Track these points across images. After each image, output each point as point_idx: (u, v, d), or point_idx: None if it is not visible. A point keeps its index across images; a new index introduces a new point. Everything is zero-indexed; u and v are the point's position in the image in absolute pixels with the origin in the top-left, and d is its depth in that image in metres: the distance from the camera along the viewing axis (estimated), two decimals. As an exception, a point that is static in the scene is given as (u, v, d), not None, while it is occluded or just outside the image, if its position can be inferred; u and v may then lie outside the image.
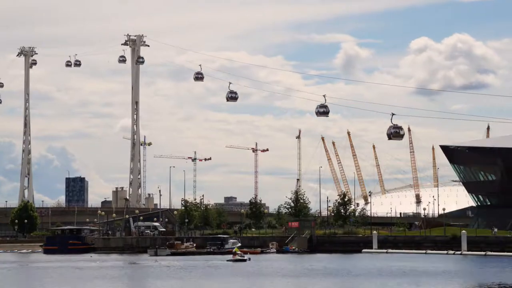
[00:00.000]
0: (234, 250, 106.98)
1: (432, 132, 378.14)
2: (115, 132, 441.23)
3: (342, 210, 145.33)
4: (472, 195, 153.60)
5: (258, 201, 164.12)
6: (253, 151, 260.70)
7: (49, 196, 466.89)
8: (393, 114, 58.52)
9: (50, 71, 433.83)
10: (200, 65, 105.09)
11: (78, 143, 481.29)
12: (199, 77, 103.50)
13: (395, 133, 58.69)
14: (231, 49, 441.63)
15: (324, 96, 66.83)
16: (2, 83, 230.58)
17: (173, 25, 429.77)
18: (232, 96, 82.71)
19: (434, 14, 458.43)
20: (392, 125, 58.23)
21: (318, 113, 67.48)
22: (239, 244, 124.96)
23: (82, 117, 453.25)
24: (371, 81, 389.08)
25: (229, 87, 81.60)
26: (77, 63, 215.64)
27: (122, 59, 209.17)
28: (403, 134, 59.31)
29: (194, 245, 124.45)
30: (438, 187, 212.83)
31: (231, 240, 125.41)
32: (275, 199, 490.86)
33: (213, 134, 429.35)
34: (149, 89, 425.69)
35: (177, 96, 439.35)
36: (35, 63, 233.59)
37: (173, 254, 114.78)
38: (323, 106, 67.46)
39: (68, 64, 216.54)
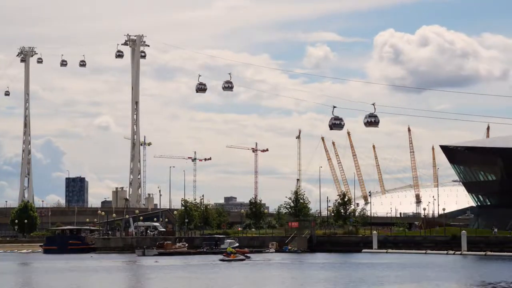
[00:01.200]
0: (227, 249, 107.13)
1: (428, 131, 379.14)
2: (97, 130, 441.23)
3: (342, 210, 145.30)
4: (472, 195, 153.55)
5: (258, 201, 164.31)
6: (253, 151, 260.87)
7: (38, 195, 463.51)
8: (334, 107, 62.90)
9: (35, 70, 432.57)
10: (199, 75, 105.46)
11: (63, 142, 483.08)
12: (201, 88, 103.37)
13: (335, 124, 62.97)
14: (216, 48, 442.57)
15: (373, 104, 67.01)
16: (8, 92, 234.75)
17: (159, 24, 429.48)
18: (227, 86, 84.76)
19: (421, 11, 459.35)
20: (332, 116, 62.45)
21: (367, 123, 67.44)
22: (237, 244, 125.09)
23: (68, 116, 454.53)
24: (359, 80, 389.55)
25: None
26: (82, 64, 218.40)
27: (120, 54, 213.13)
28: (343, 125, 63.49)
29: (186, 245, 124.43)
30: (438, 187, 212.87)
31: (228, 240, 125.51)
32: (275, 199, 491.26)
33: (201, 133, 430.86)
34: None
35: (162, 95, 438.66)
36: (41, 61, 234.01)
37: (160, 254, 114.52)
38: (372, 115, 66.97)
39: (63, 64, 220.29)
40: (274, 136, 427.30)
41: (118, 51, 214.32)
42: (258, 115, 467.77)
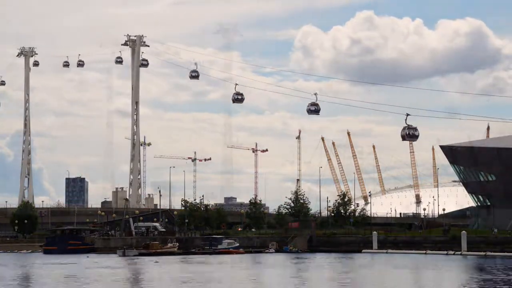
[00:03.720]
0: None
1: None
2: (47, 127, 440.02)
3: (342, 210, 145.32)
4: (472, 195, 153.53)
5: (258, 201, 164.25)
6: (253, 151, 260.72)
7: (8, 192, 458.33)
8: (407, 115, 57.87)
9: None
10: (195, 63, 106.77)
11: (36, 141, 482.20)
12: (194, 75, 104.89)
13: (410, 134, 58.51)
14: (185, 44, 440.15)
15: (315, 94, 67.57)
16: (4, 81, 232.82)
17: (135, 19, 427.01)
18: (237, 98, 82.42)
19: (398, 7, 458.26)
20: (406, 125, 57.73)
21: (309, 111, 68.10)
22: (237, 244, 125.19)
23: (40, 116, 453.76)
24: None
25: (235, 88, 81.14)
26: (80, 63, 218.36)
27: (119, 60, 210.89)
28: (418, 135, 58.88)
29: (177, 245, 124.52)
30: (438, 187, 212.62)
31: (226, 240, 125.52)
32: (275, 199, 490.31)
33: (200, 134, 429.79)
34: (102, 85, 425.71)
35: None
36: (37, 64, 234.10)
37: (141, 254, 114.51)
38: (314, 104, 67.92)
39: (65, 65, 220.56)
40: (248, 135, 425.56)
41: (118, 57, 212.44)
42: (228, 114, 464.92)
